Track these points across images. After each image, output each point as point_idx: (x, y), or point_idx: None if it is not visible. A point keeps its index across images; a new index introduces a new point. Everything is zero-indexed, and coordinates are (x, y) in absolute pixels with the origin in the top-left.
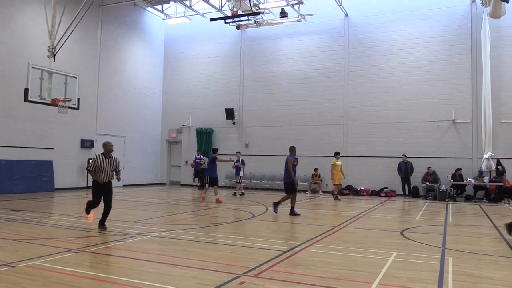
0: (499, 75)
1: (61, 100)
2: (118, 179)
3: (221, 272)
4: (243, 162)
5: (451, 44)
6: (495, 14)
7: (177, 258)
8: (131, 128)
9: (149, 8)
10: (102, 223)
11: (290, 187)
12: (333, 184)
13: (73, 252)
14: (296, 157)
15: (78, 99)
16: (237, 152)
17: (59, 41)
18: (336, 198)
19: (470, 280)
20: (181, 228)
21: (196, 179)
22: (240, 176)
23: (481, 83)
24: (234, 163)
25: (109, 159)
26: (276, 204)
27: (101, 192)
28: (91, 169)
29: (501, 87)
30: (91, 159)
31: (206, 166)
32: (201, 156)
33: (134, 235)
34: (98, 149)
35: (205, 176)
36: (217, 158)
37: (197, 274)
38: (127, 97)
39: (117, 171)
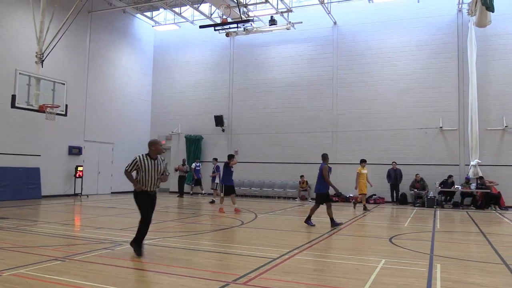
0: (485, 83)
1: (49, 107)
2: (164, 180)
3: (210, 279)
4: (218, 169)
5: (438, 52)
6: (481, 23)
7: (165, 266)
8: (120, 135)
9: (138, 15)
10: (138, 243)
11: (322, 198)
12: (359, 194)
13: (60, 260)
14: (330, 166)
15: (66, 105)
16: (214, 158)
17: (47, 47)
18: (364, 208)
19: (458, 286)
20: (169, 236)
21: (197, 186)
22: (217, 183)
23: (467, 91)
24: (211, 174)
25: (155, 161)
26: (308, 219)
27: (148, 203)
28: (129, 169)
29: (487, 94)
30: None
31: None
32: (200, 164)
33: (122, 243)
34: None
35: (221, 184)
36: (230, 164)
37: (185, 282)
38: (115, 104)
39: (164, 175)
